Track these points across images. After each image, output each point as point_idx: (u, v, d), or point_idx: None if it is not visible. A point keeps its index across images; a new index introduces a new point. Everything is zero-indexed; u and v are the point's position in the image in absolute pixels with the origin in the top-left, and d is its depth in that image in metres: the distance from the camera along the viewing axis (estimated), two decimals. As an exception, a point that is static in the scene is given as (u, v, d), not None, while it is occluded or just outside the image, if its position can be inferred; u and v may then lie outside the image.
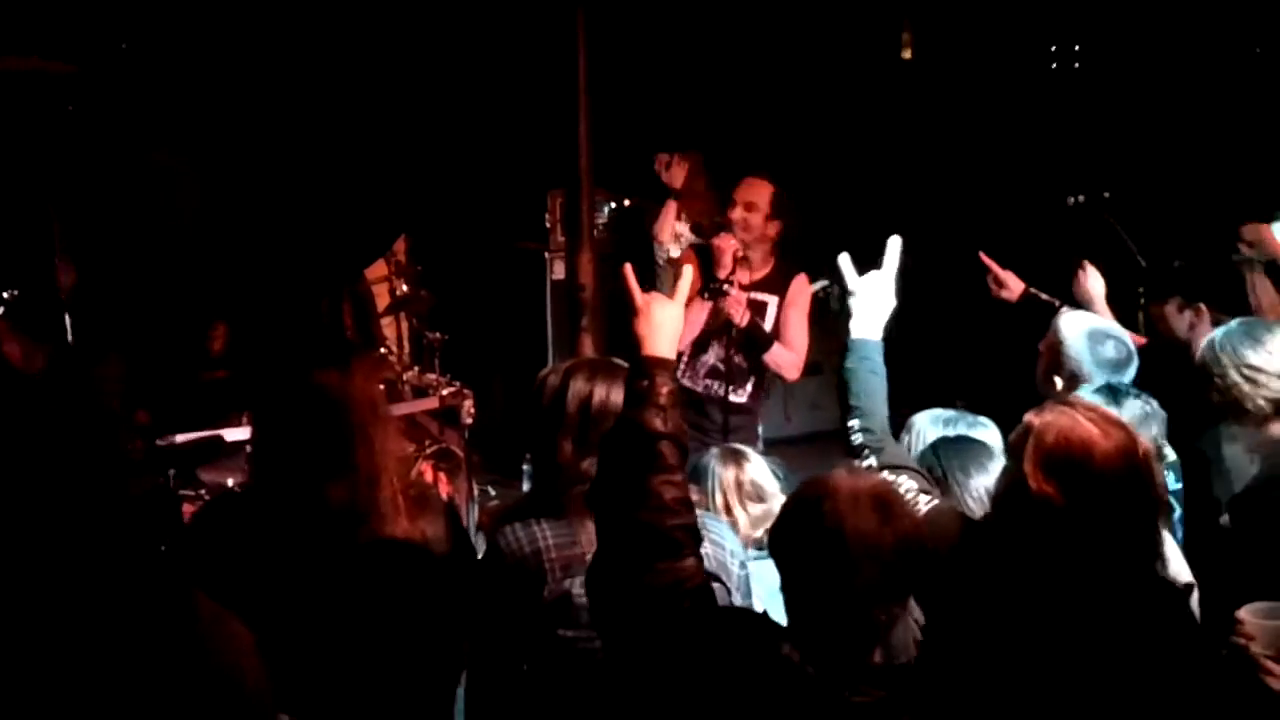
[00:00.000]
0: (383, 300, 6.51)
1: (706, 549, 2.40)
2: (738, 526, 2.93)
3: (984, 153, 7.38)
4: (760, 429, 4.89)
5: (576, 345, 5.67)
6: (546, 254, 6.86)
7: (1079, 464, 2.08)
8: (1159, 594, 2.15)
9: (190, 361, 5.28)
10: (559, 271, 6.68)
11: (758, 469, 3.10)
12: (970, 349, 6.71)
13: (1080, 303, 3.75)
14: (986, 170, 7.37)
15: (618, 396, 2.30)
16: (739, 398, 4.58)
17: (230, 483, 4.50)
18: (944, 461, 2.80)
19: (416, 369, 5.91)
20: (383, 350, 6.11)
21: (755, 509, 3.04)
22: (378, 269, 6.62)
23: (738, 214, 4.60)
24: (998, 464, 2.67)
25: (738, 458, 3.11)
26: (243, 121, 5.94)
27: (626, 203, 6.78)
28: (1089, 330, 3.22)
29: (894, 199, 7.58)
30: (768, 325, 4.61)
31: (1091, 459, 2.07)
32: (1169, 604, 2.15)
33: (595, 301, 5.57)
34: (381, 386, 5.73)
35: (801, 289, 4.68)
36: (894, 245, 2.67)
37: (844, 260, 2.68)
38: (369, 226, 6.47)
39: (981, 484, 2.74)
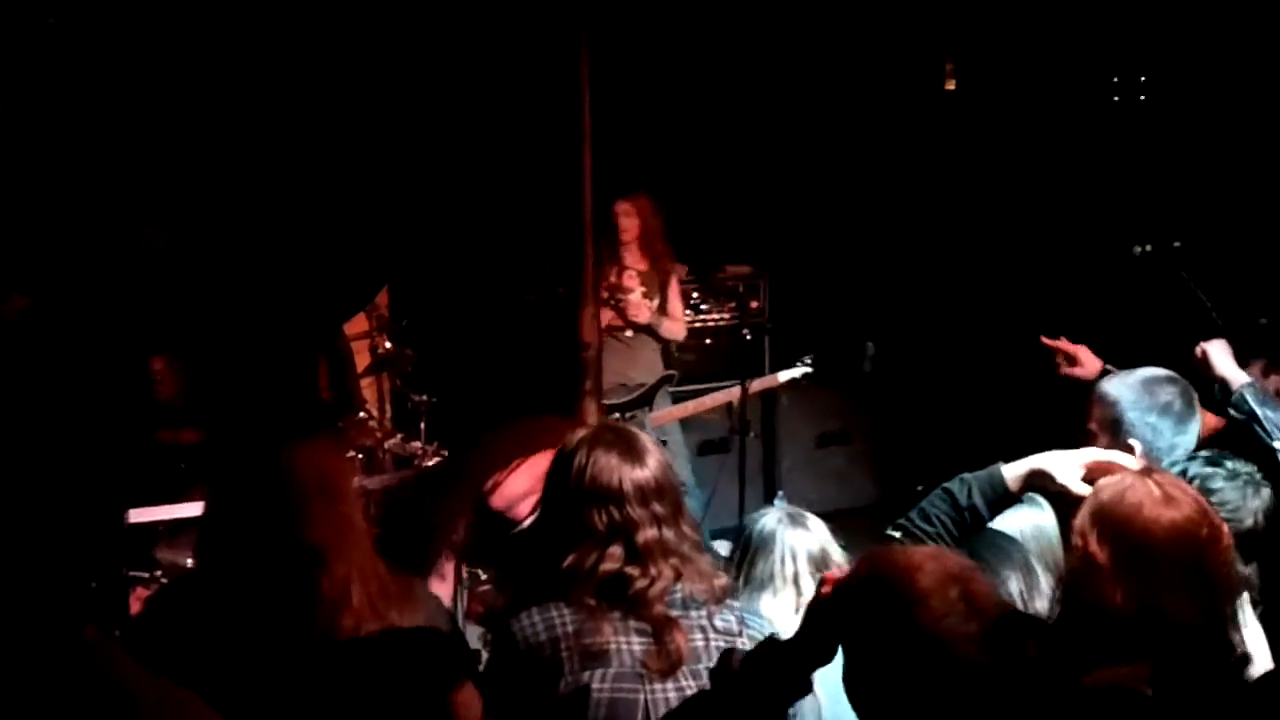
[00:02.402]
0: (362, 359, 6.53)
1: (744, 646, 2.48)
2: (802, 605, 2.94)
3: (1037, 195, 7.48)
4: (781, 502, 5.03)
5: (578, 410, 5.63)
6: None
7: (1133, 531, 2.17)
8: (1230, 681, 2.22)
9: (141, 412, 5.32)
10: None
11: (825, 534, 3.14)
12: (1024, 411, 6.74)
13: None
14: (1040, 216, 7.48)
15: (645, 474, 2.48)
16: None
17: (190, 563, 4.49)
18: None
19: (400, 435, 5.97)
20: (362, 414, 6.12)
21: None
22: (357, 323, 6.61)
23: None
24: (1042, 576, 2.83)
25: (804, 522, 3.14)
26: (210, 148, 5.99)
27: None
28: (1141, 379, 3.26)
29: (937, 246, 7.80)
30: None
31: (1148, 529, 2.16)
32: (1244, 697, 2.23)
33: (600, 362, 5.58)
34: (356, 455, 5.82)
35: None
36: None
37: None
38: (348, 275, 6.48)
39: (1015, 587, 2.86)
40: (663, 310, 6.62)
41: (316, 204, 6.20)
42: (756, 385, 6.36)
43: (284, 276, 6.02)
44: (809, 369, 6.48)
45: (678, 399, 6.78)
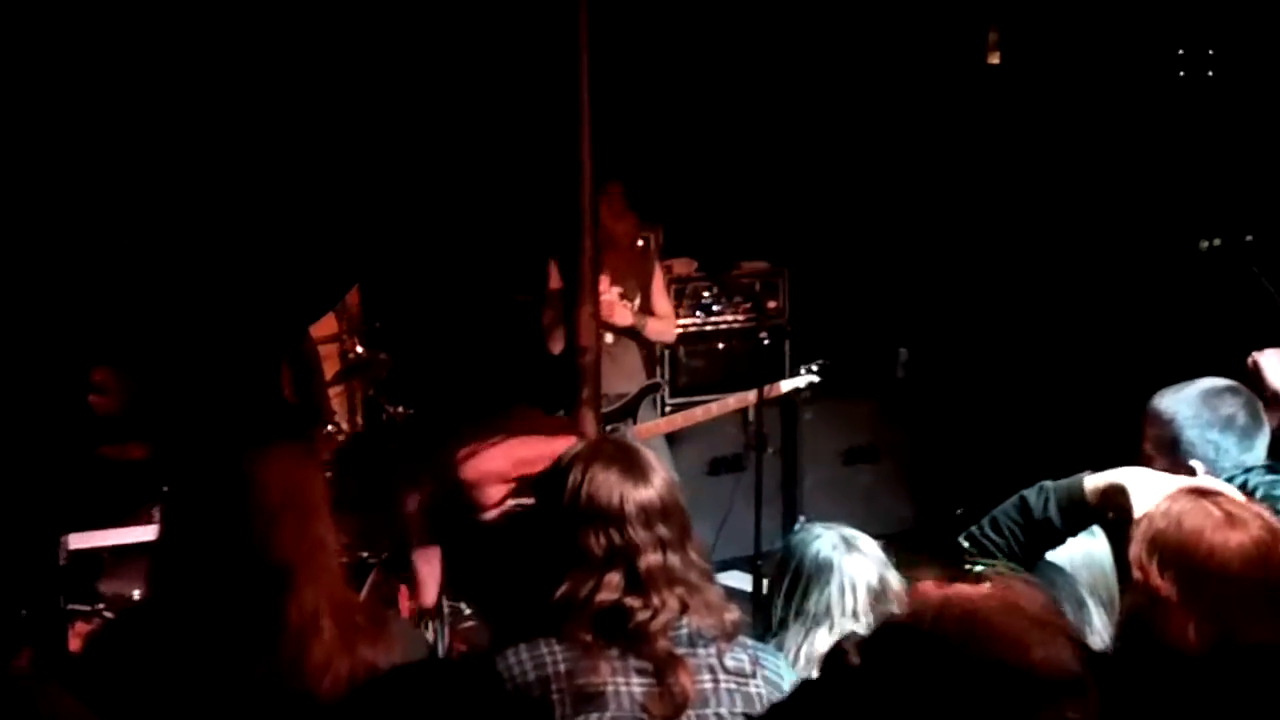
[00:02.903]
0: (331, 365, 6.55)
1: (758, 689, 2.51)
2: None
3: (1092, 183, 7.43)
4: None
5: (574, 422, 5.70)
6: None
7: (1197, 560, 2.18)
8: None
9: (83, 425, 5.31)
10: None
11: (881, 558, 3.12)
12: (1075, 424, 6.71)
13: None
14: (1094, 206, 7.42)
15: (648, 493, 2.49)
16: None
17: (137, 595, 4.54)
18: None
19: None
20: (330, 427, 6.14)
21: (877, 612, 3.04)
22: (325, 325, 6.63)
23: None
24: (1094, 610, 2.86)
25: (859, 545, 3.12)
26: (157, 130, 5.94)
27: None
28: (1200, 391, 3.24)
29: (978, 238, 7.77)
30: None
31: (1214, 555, 2.17)
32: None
33: (599, 368, 5.50)
34: (324, 473, 5.85)
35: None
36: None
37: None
38: (314, 269, 6.40)
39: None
40: (645, 309, 6.62)
41: (277, 189, 6.14)
42: (750, 396, 6.37)
43: (240, 271, 5.97)
44: (815, 377, 6.47)
45: (679, 410, 6.83)
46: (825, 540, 3.10)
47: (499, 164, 6.81)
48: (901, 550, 2.81)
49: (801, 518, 6.72)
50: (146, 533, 4.45)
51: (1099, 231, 7.38)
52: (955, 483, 7.06)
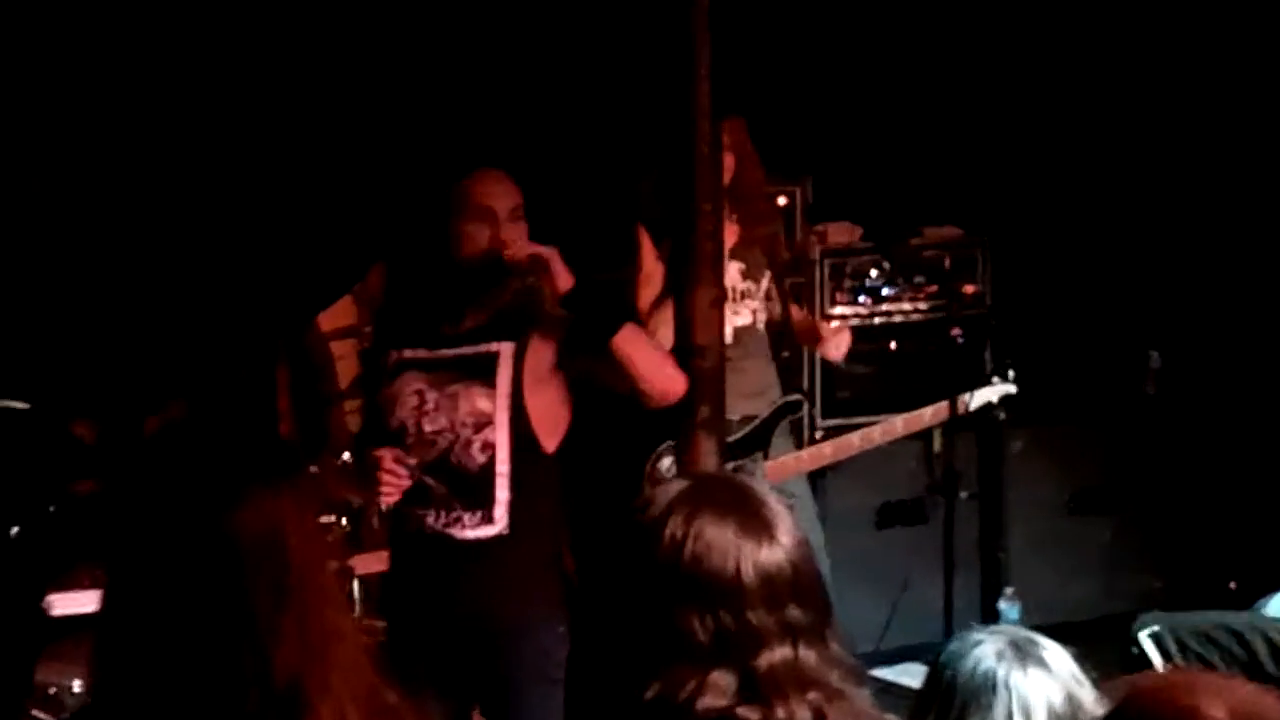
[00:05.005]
0: (346, 368, 6.63)
1: None
2: None
3: (1168, 145, 7.66)
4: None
5: (689, 447, 5.72)
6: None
7: None
8: None
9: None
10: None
11: (1071, 672, 3.16)
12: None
13: None
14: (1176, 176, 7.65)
15: (775, 557, 2.46)
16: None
17: (77, 686, 4.73)
18: None
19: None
20: (345, 456, 6.14)
21: None
22: (338, 315, 6.74)
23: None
24: None
25: (1039, 655, 3.16)
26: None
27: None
28: None
29: (1256, 207, 7.84)
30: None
31: None
32: None
33: (719, 373, 5.64)
34: (338, 520, 6.01)
35: None
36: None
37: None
38: (324, 240, 6.48)
39: None
40: (777, 298, 6.63)
41: (274, 134, 6.28)
42: (928, 417, 6.48)
43: (220, 240, 6.04)
44: (1010, 387, 6.54)
45: (832, 436, 6.90)
46: (989, 648, 3.15)
47: (563, 90, 6.94)
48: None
49: (1007, 590, 6.63)
50: (85, 601, 4.53)
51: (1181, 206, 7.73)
52: (1222, 539, 7.21)
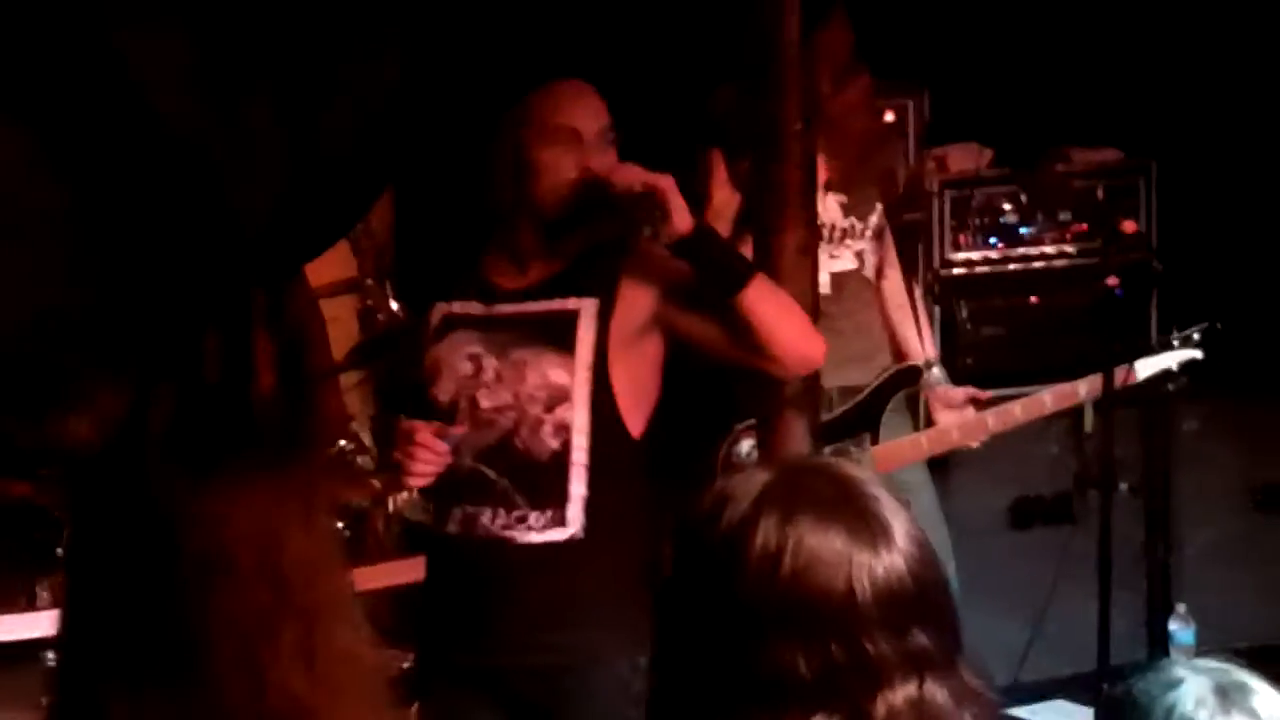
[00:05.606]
0: (344, 331, 6.57)
1: None
2: None
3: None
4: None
5: (774, 433, 5.55)
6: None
7: None
8: None
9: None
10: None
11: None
12: None
13: None
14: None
15: (894, 567, 2.42)
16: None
17: None
18: None
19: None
20: (342, 443, 6.35)
21: None
22: (334, 265, 6.64)
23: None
24: None
25: (1246, 699, 2.97)
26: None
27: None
28: None
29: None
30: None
31: None
32: None
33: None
34: (335, 524, 5.53)
35: None
36: None
37: None
38: (316, 165, 6.25)
39: None
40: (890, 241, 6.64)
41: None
42: (1083, 391, 6.30)
43: (173, 156, 5.93)
44: (1197, 352, 6.34)
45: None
46: (1190, 691, 2.96)
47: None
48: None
49: (1179, 608, 6.60)
50: (35, 623, 4.84)
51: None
52: None
